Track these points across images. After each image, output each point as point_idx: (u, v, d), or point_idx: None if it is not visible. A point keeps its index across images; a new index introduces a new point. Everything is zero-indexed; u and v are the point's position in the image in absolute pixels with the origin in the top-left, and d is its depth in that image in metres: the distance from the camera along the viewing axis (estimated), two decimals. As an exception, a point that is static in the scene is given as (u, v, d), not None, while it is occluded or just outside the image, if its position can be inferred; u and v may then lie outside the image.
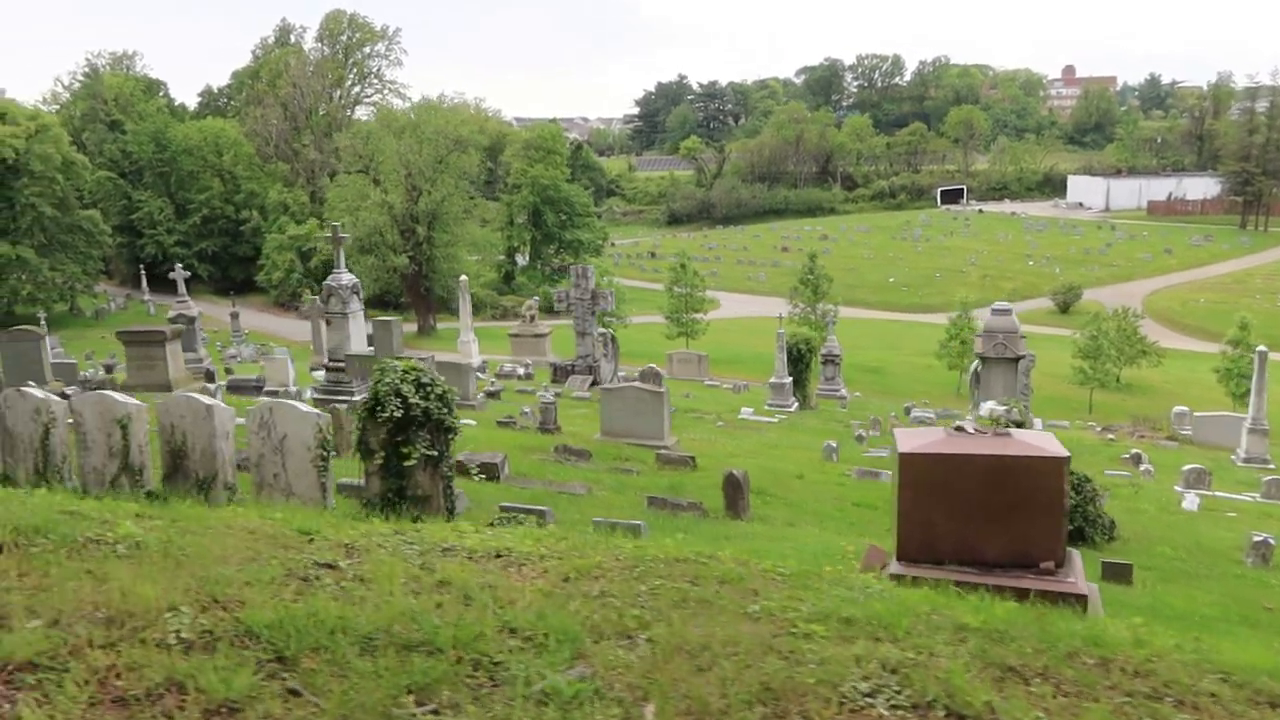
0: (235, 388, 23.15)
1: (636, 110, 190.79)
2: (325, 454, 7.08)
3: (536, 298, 44.76)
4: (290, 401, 7.25)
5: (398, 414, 6.74)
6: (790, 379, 28.87)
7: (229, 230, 78.03)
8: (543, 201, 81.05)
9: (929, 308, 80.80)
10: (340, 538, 5.18)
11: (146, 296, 74.09)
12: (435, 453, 6.69)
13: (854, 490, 15.52)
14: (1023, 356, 26.61)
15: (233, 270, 79.14)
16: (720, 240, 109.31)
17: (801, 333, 32.13)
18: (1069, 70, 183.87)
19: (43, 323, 52.73)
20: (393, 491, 6.68)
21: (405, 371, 7.06)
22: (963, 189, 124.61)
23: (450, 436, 6.68)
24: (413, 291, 66.00)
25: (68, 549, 4.53)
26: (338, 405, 17.49)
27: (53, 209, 61.51)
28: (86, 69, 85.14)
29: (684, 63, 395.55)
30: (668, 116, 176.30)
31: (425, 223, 63.80)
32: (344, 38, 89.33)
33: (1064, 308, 75.52)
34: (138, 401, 7.78)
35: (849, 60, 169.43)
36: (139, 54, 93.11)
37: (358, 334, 19.47)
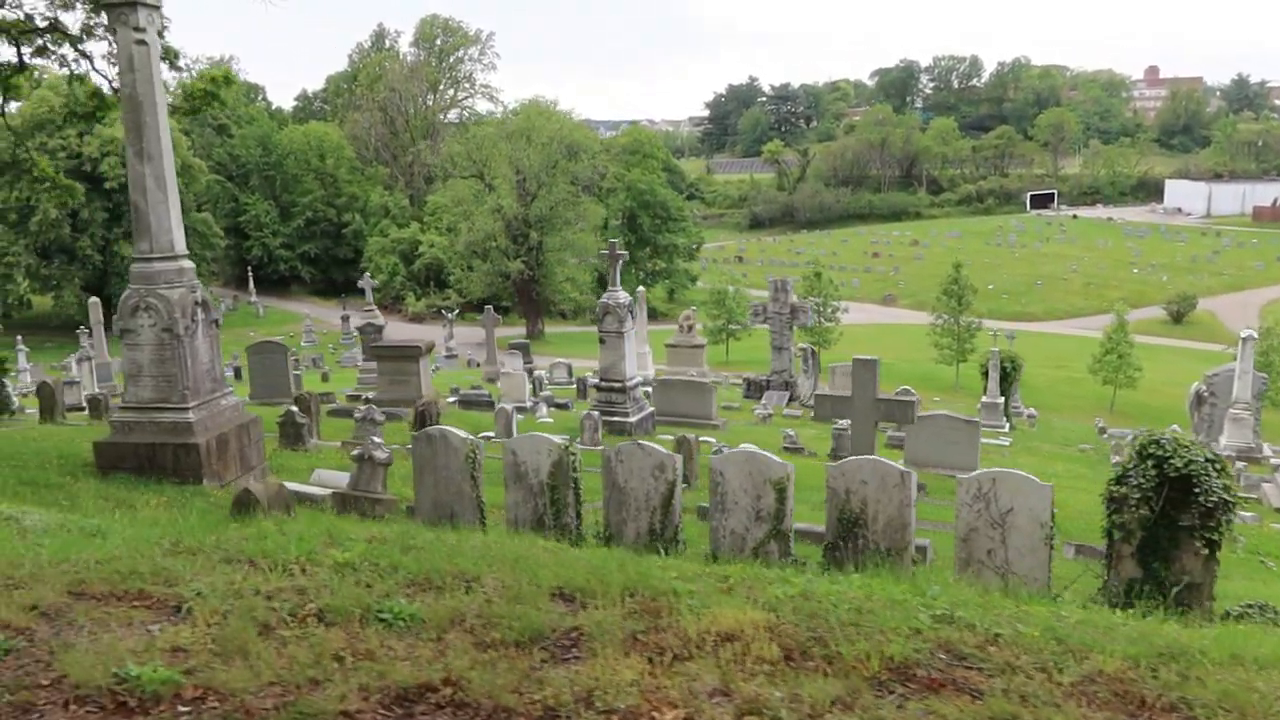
0: (467, 403, 22.52)
1: (706, 113, 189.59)
2: (1053, 529, 6.20)
3: (694, 307, 43.77)
4: (1014, 471, 6.40)
5: (1154, 485, 5.81)
6: (1002, 398, 27.68)
7: (330, 233, 78.34)
8: (639, 206, 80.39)
9: (1032, 316, 78.75)
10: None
11: (253, 298, 74.62)
12: (1213, 535, 5.77)
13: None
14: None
15: (333, 272, 79.43)
16: (807, 245, 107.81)
17: (1006, 351, 30.85)
18: (1152, 71, 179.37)
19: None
20: (1147, 579, 5.77)
21: (1162, 443, 6.14)
22: (1053, 194, 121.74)
23: (1228, 515, 5.76)
24: (523, 296, 65.57)
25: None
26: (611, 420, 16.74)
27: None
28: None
29: (746, 65, 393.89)
30: (739, 119, 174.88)
31: (537, 227, 63.35)
32: (438, 42, 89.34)
33: (1177, 318, 72.94)
34: (785, 462, 6.96)
35: (925, 61, 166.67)
36: (235, 58, 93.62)
37: (631, 353, 18.71)
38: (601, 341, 18.93)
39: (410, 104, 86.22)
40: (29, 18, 11.56)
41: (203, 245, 66.29)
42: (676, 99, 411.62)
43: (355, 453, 9.97)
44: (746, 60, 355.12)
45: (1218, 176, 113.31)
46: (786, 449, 18.44)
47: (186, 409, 10.35)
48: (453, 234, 65.69)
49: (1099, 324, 72.30)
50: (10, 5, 11.52)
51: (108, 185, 57.55)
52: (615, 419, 18.10)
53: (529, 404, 22.27)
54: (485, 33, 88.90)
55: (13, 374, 17.88)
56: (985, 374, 30.71)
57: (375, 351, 20.42)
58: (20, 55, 12.23)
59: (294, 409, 13.95)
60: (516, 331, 66.99)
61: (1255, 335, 24.90)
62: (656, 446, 7.21)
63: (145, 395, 10.43)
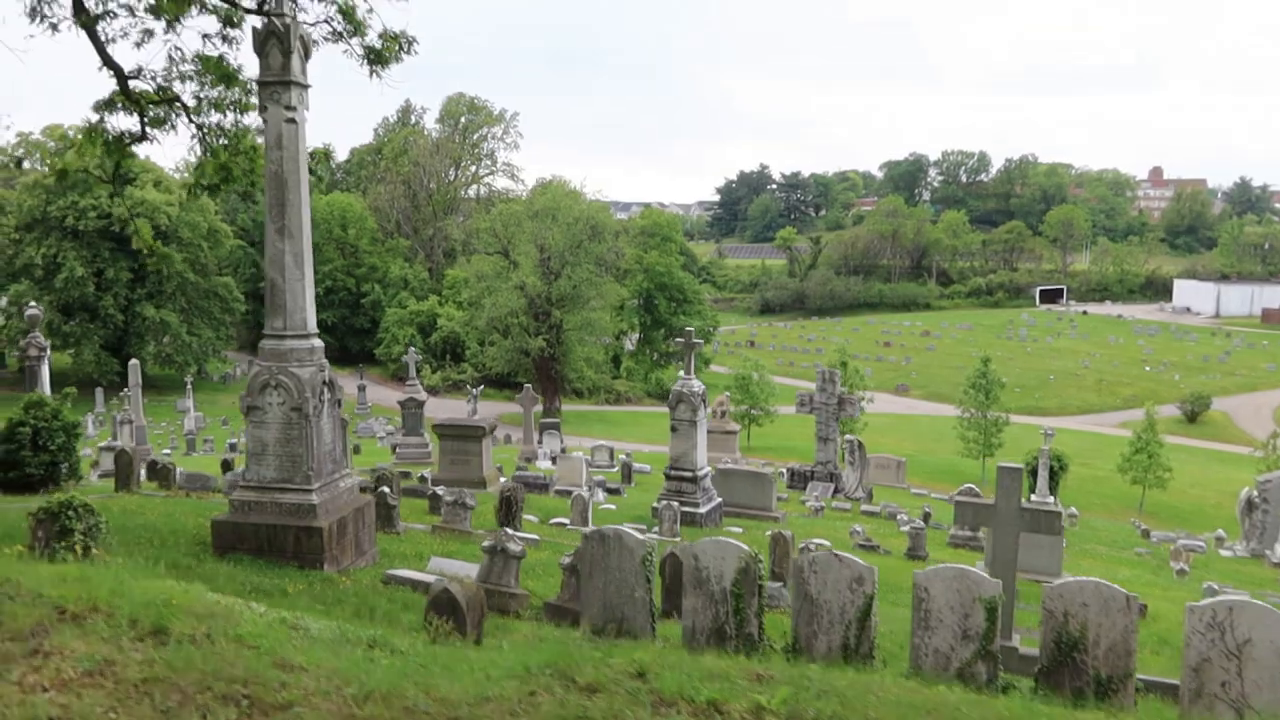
0: (520, 484, 22.10)
1: (715, 197, 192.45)
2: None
3: (727, 393, 43.59)
4: (1252, 600, 6.13)
5: None
6: (1053, 498, 27.32)
7: (349, 302, 78.62)
8: (656, 288, 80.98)
9: (1045, 411, 78.52)
10: None
11: (269, 365, 74.47)
12: None
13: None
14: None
15: (349, 342, 79.51)
16: (818, 332, 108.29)
17: (1053, 449, 30.56)
18: (1156, 171, 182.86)
19: (188, 386, 52.83)
20: None
21: None
22: (1063, 289, 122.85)
23: None
24: (542, 373, 65.46)
25: None
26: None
27: (195, 275, 62.26)
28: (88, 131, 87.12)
29: (755, 152, 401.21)
30: (749, 205, 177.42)
31: (559, 306, 63.62)
32: (463, 119, 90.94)
33: (1192, 417, 72.73)
34: (996, 580, 6.67)
35: (933, 155, 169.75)
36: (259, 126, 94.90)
37: (703, 443, 18.48)
38: (673, 430, 18.67)
39: (433, 179, 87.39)
40: (162, 89, 11.58)
41: (223, 310, 66.53)
42: (686, 183, 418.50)
43: (487, 544, 9.66)
44: (755, 148, 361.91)
45: (1225, 277, 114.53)
46: (861, 546, 18.05)
47: (310, 490, 10.06)
48: (474, 308, 65.89)
49: (1113, 420, 72.36)
50: (145, 76, 11.53)
51: (135, 246, 57.74)
52: (686, 509, 17.75)
53: (585, 489, 21.89)
54: (510, 112, 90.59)
55: (82, 438, 17.58)
56: (1032, 473, 30.44)
57: (439, 430, 20.13)
58: (144, 125, 12.23)
59: (385, 489, 13.62)
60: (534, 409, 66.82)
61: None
62: (853, 559, 6.93)
63: (268, 475, 10.15)
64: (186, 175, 76.61)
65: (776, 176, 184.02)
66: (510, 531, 9.76)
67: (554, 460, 32.96)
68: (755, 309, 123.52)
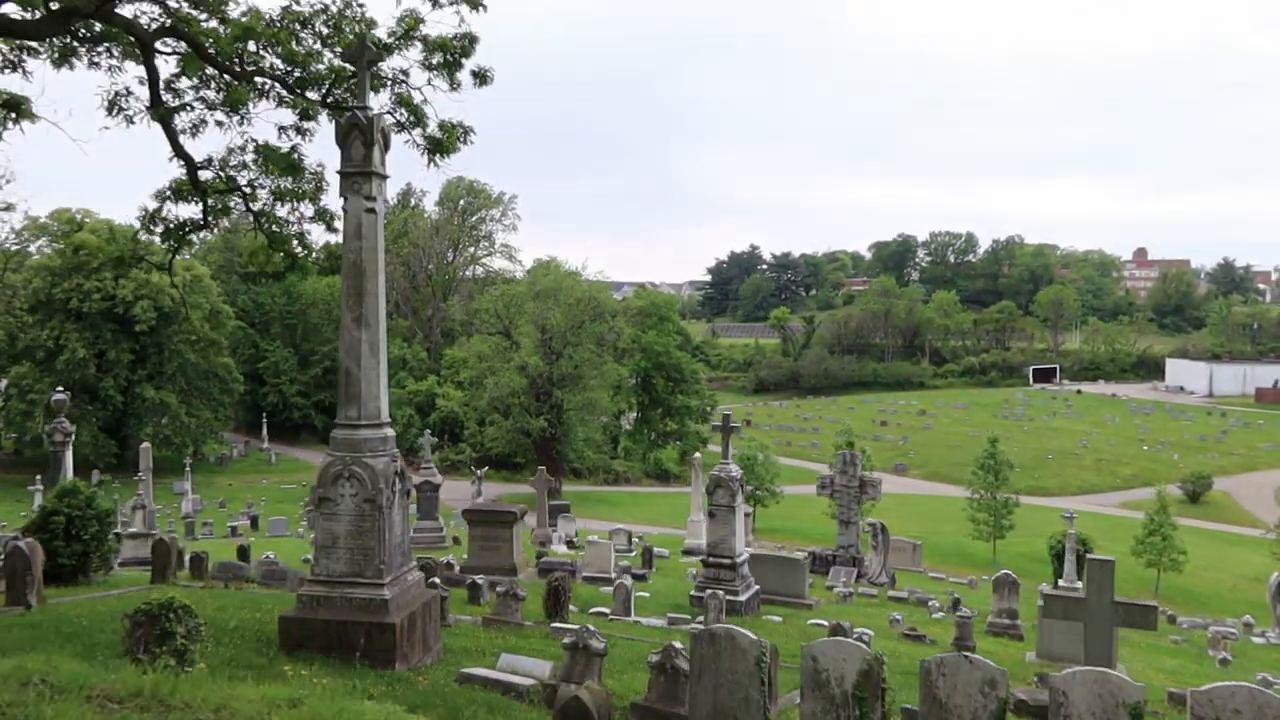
0: (547, 570, 21.71)
1: (706, 277, 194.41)
2: None
3: (740, 474, 43.10)
4: None
5: None
6: (1080, 582, 26.96)
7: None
8: (654, 367, 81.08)
9: (1046, 491, 78.22)
10: None
11: (266, 444, 73.88)
12: None
13: None
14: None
15: (347, 422, 79.02)
16: (814, 411, 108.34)
17: (1081, 532, 30.35)
18: (1141, 252, 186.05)
19: (187, 469, 52.19)
20: None
21: None
22: (1056, 368, 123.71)
23: None
24: (542, 453, 65.08)
25: None
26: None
27: (195, 356, 62.13)
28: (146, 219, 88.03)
29: (744, 232, 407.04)
30: (740, 284, 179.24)
31: (560, 386, 63.59)
32: (462, 202, 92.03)
33: (1194, 498, 72.57)
34: (1138, 684, 6.46)
35: (921, 236, 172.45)
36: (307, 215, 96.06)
37: (741, 529, 18.22)
38: (711, 515, 18.44)
39: (432, 260, 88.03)
40: (230, 180, 11.61)
41: (222, 390, 66.21)
42: (675, 263, 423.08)
43: (567, 641, 9.37)
44: (744, 228, 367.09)
45: (1216, 357, 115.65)
46: (906, 636, 17.68)
47: (382, 585, 9.78)
48: (475, 388, 65.78)
49: (1114, 500, 72.11)
50: (214, 166, 11.57)
51: (138, 328, 57.76)
52: (727, 598, 17.39)
53: (613, 574, 21.52)
54: (508, 195, 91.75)
55: (115, 525, 17.15)
56: (1056, 557, 30.17)
57: (468, 516, 19.81)
58: (205, 214, 12.24)
59: (436, 580, 13.30)
60: (531, 490, 66.26)
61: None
62: (985, 660, 6.72)
63: (338, 569, 9.88)
64: (191, 257, 77.11)
65: (767, 256, 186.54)
66: (592, 628, 9.48)
67: (569, 544, 32.52)
68: (750, 388, 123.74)
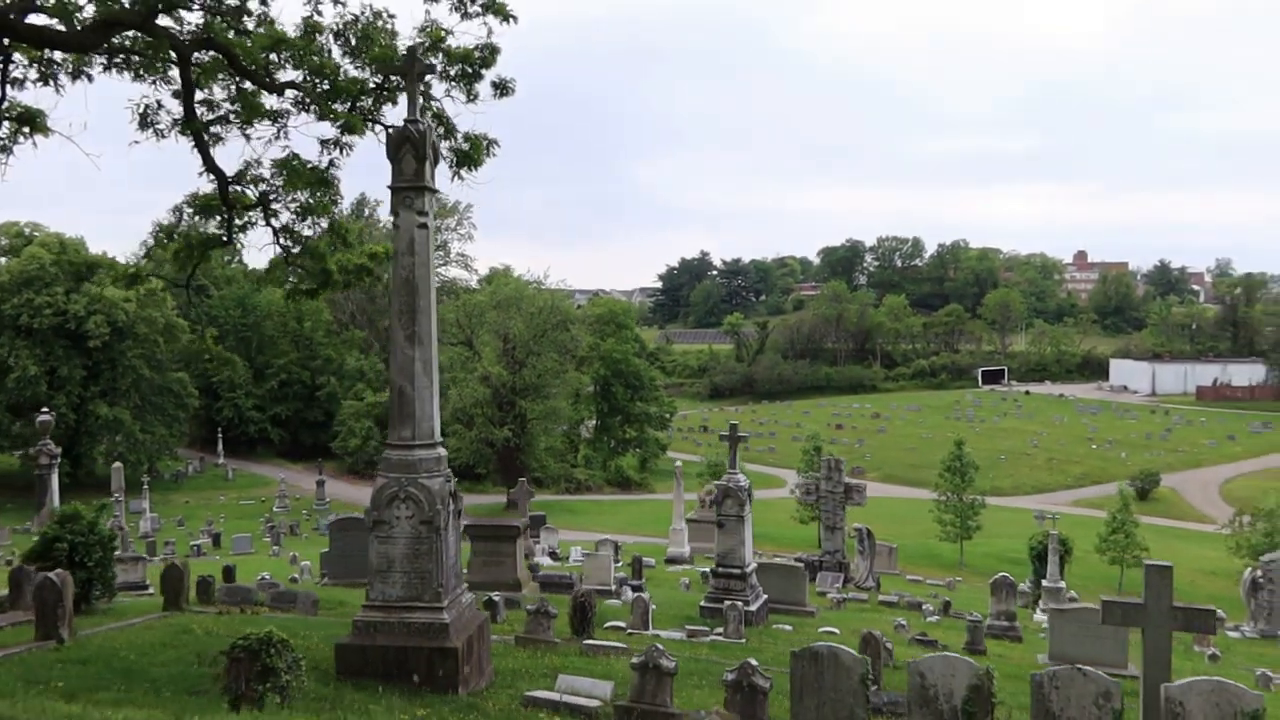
0: (547, 585, 21.50)
1: (657, 284, 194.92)
2: None
3: (716, 483, 43.20)
4: None
5: None
6: (1063, 582, 27.46)
7: (303, 395, 77.22)
8: (613, 375, 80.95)
9: (1001, 491, 79.47)
10: None
11: (221, 460, 72.28)
12: None
13: None
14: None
15: (303, 435, 77.81)
16: (770, 416, 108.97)
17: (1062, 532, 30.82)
18: (1081, 255, 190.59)
19: (145, 487, 50.81)
20: None
21: None
22: (1004, 370, 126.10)
23: None
24: (505, 463, 64.66)
25: None
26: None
27: (150, 371, 60.63)
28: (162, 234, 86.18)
29: (694, 239, 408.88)
30: (691, 291, 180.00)
31: (523, 395, 63.22)
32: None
33: (1142, 494, 74.32)
34: (1256, 693, 6.54)
35: (869, 241, 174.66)
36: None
37: (749, 538, 18.20)
38: (720, 525, 18.40)
39: (387, 270, 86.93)
40: (264, 195, 11.30)
41: (177, 406, 64.68)
42: (626, 270, 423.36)
43: (637, 660, 9.26)
44: (693, 234, 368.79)
45: (1157, 356, 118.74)
46: (917, 641, 17.81)
47: (441, 609, 9.57)
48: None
49: (1067, 499, 73.54)
50: (246, 182, 11.27)
51: (90, 344, 56.16)
52: (742, 608, 17.36)
53: (612, 586, 21.37)
54: (464, 204, 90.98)
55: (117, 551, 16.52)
56: (1038, 557, 30.61)
57: (470, 531, 19.52)
58: (230, 229, 11.92)
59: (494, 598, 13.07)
60: (494, 500, 65.64)
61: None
62: (1098, 673, 6.76)
63: (394, 593, 9.65)
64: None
65: (717, 263, 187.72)
66: (660, 648, 9.38)
67: (553, 555, 32.28)
68: (705, 394, 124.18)
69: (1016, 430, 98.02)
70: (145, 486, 51.14)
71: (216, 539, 47.73)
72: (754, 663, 8.74)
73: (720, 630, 16.07)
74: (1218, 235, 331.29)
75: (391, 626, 9.58)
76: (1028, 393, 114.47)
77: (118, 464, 29.37)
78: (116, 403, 58.61)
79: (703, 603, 18.19)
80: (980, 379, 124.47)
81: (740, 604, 16.25)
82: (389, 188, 9.81)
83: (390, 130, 9.87)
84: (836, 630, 18.43)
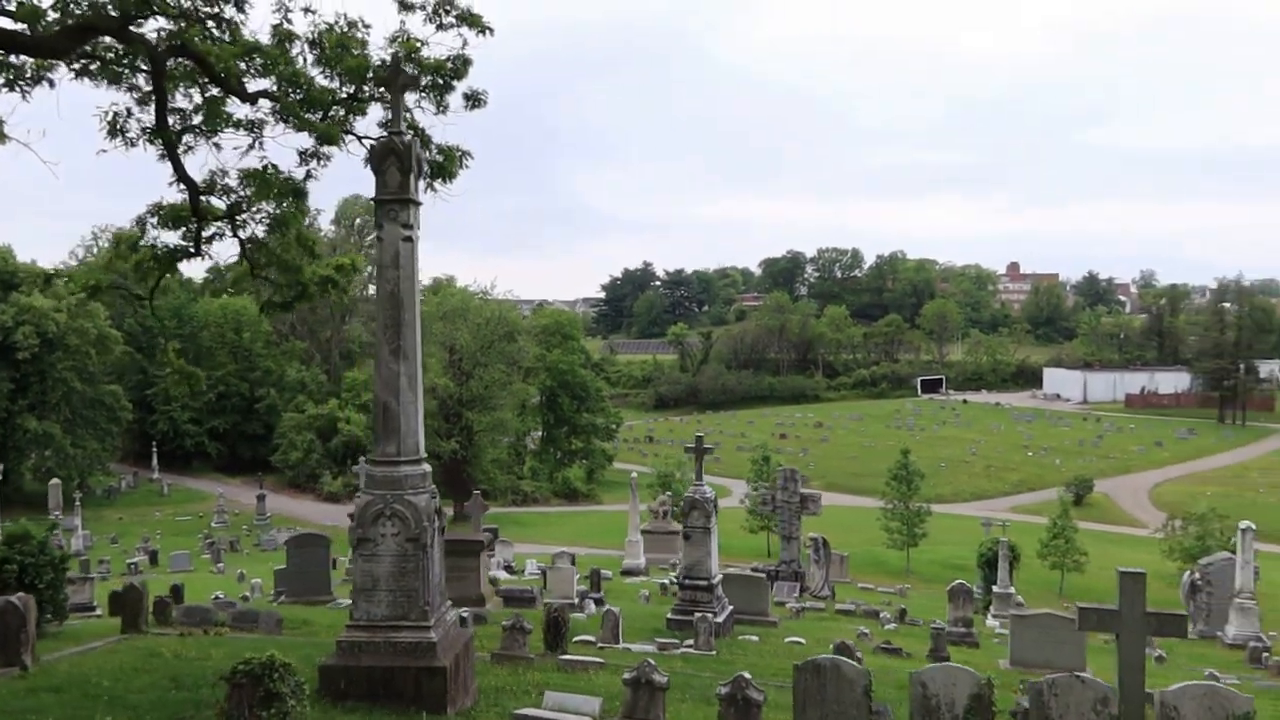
0: (510, 599, 21.33)
1: (600, 294, 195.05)
2: None
3: (669, 494, 43.36)
4: None
5: None
6: (1012, 588, 28.01)
7: (241, 408, 75.60)
8: (559, 386, 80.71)
9: (942, 498, 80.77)
10: None
11: (156, 475, 70.38)
12: None
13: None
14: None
15: (241, 448, 76.18)
16: (714, 426, 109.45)
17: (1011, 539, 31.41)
18: (1014, 267, 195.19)
19: (76, 503, 49.28)
20: None
21: None
22: (942, 379, 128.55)
23: None
24: (450, 476, 63.97)
25: None
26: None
27: (81, 383, 58.87)
28: (95, 242, 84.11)
29: (636, 249, 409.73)
30: (634, 301, 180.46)
31: (470, 407, 62.73)
32: (358, 221, 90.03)
33: (1077, 500, 76.21)
34: (1246, 695, 6.72)
35: (809, 252, 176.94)
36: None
37: (715, 550, 18.26)
38: (686, 537, 18.43)
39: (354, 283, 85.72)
40: (234, 206, 11.04)
41: (109, 419, 62.91)
42: (569, 280, 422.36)
43: (629, 675, 9.21)
44: (634, 245, 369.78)
45: (1088, 365, 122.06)
46: (882, 649, 18.00)
47: (428, 627, 9.41)
48: (381, 411, 64.13)
49: (1004, 505, 75.03)
50: (219, 191, 11.00)
51: (18, 355, 54.34)
52: (713, 620, 17.39)
53: (575, 599, 21.27)
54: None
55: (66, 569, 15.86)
56: (988, 563, 31.18)
57: (435, 546, 19.27)
58: (198, 241, 11.63)
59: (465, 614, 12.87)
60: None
61: (1254, 527, 26.09)
62: (1094, 679, 6.91)
63: (379, 612, 9.46)
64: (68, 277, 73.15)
65: (660, 273, 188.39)
66: (651, 663, 9.34)
67: (508, 569, 32.01)
68: (650, 404, 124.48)
69: (955, 438, 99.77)
70: (77, 503, 49.58)
71: (154, 556, 46.43)
72: (747, 676, 8.74)
73: (690, 642, 16.07)
74: (1140, 246, 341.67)
75: (377, 646, 9.40)
76: (965, 401, 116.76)
77: (55, 480, 28.38)
78: (46, 416, 56.75)
79: (670, 615, 18.19)
80: (919, 388, 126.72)
81: (710, 616, 16.26)
82: (373, 200, 9.66)
83: (362, 140, 9.75)
84: (803, 640, 18.57)
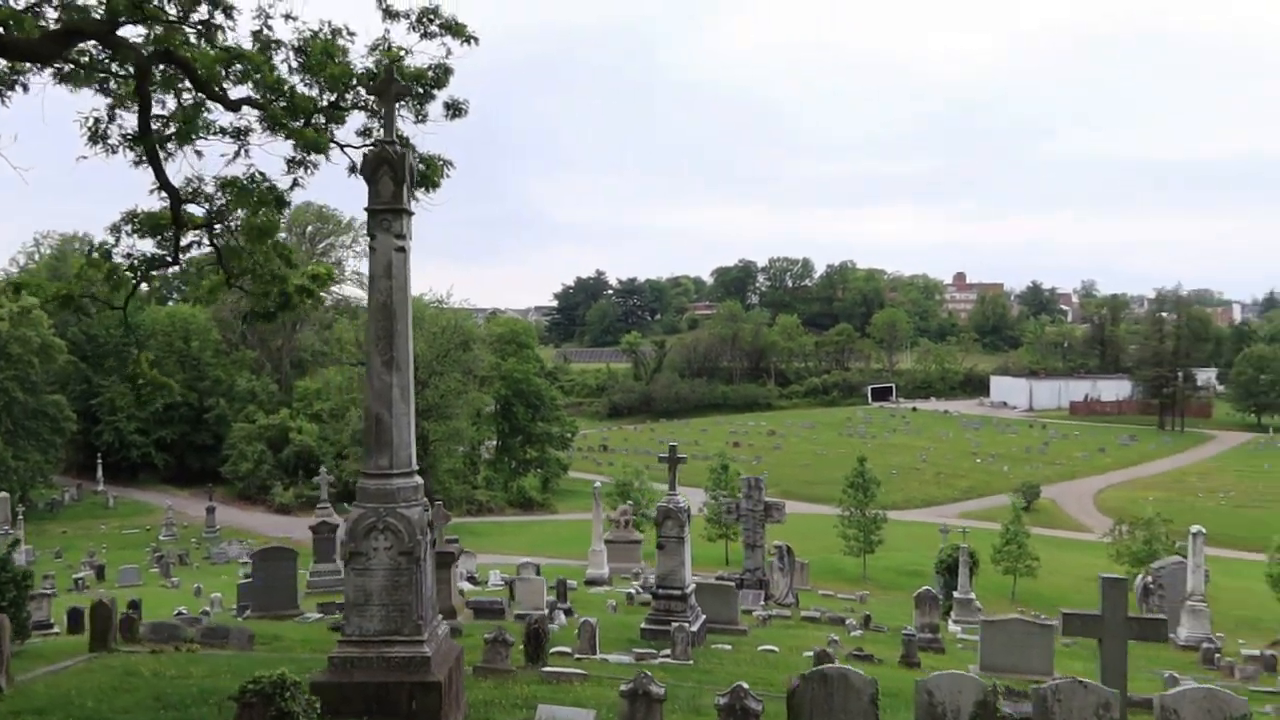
0: (480, 611, 21.16)
1: (552, 302, 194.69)
2: None
3: (631, 503, 43.28)
4: None
5: None
6: (973, 594, 28.43)
7: (189, 418, 74.07)
8: (514, 395, 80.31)
9: (894, 505, 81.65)
10: None
11: (100, 487, 68.64)
12: None
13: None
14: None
15: (189, 459, 74.62)
16: (668, 434, 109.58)
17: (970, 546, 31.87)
18: (960, 276, 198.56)
19: (19, 517, 47.84)
20: None
21: None
22: (892, 387, 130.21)
23: None
24: (407, 486, 63.30)
25: None
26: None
27: (23, 393, 57.30)
28: (37, 249, 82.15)
29: (587, 258, 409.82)
30: (587, 310, 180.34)
31: (425, 417, 62.13)
32: (309, 229, 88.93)
33: (1025, 505, 77.52)
34: (1241, 698, 6.89)
35: (761, 261, 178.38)
36: (90, 236, 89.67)
37: (689, 560, 18.28)
38: (660, 547, 18.43)
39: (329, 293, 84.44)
40: (212, 214, 10.85)
41: (53, 430, 61.28)
42: (520, 288, 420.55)
43: (625, 688, 9.19)
44: (586, 253, 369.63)
45: (1034, 373, 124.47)
46: (854, 656, 18.14)
47: (422, 642, 9.31)
48: (336, 420, 63.36)
49: (954, 511, 76.10)
50: (199, 199, 10.81)
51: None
52: (689, 629, 17.40)
53: (545, 611, 21.13)
54: (359, 221, 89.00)
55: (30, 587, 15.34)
56: (948, 570, 31.58)
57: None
58: (176, 250, 11.41)
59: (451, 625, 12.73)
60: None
61: (1204, 531, 26.80)
62: (1097, 685, 7.05)
63: (372, 627, 9.34)
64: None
65: (613, 282, 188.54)
66: (648, 675, 9.33)
67: (472, 580, 31.70)
68: (604, 413, 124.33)
69: (906, 446, 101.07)
70: (19, 516, 48.15)
71: (100, 571, 45.31)
72: (745, 686, 8.78)
73: (667, 652, 16.07)
74: (1081, 257, 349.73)
75: (370, 662, 9.28)
76: (915, 409, 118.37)
77: (4, 494, 27.52)
78: (-15, 427, 55.21)
79: (644, 624, 18.17)
80: (870, 396, 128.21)
81: (686, 625, 16.29)
82: (365, 210, 9.56)
83: (344, 149, 9.66)
84: (775, 648, 18.67)
